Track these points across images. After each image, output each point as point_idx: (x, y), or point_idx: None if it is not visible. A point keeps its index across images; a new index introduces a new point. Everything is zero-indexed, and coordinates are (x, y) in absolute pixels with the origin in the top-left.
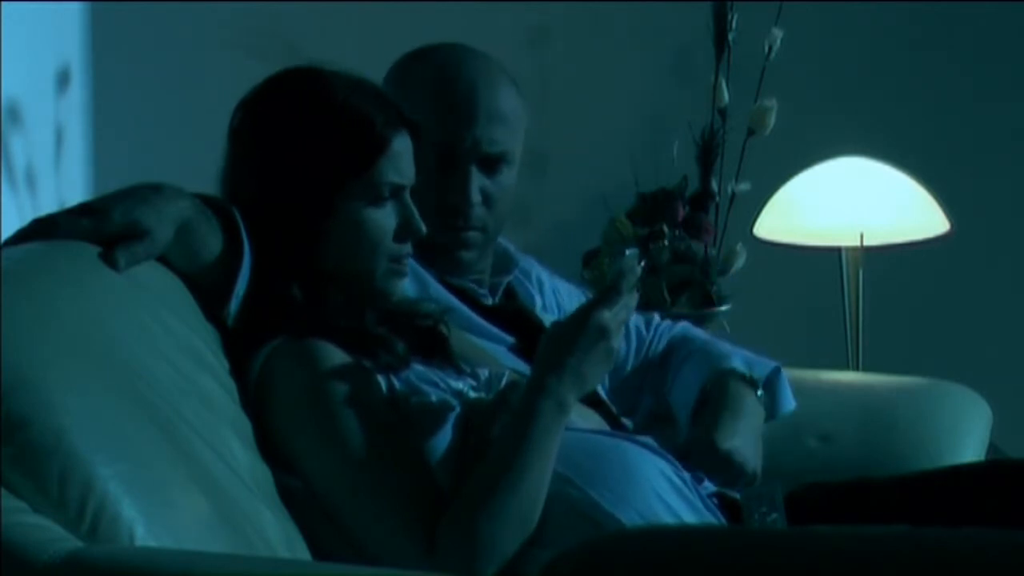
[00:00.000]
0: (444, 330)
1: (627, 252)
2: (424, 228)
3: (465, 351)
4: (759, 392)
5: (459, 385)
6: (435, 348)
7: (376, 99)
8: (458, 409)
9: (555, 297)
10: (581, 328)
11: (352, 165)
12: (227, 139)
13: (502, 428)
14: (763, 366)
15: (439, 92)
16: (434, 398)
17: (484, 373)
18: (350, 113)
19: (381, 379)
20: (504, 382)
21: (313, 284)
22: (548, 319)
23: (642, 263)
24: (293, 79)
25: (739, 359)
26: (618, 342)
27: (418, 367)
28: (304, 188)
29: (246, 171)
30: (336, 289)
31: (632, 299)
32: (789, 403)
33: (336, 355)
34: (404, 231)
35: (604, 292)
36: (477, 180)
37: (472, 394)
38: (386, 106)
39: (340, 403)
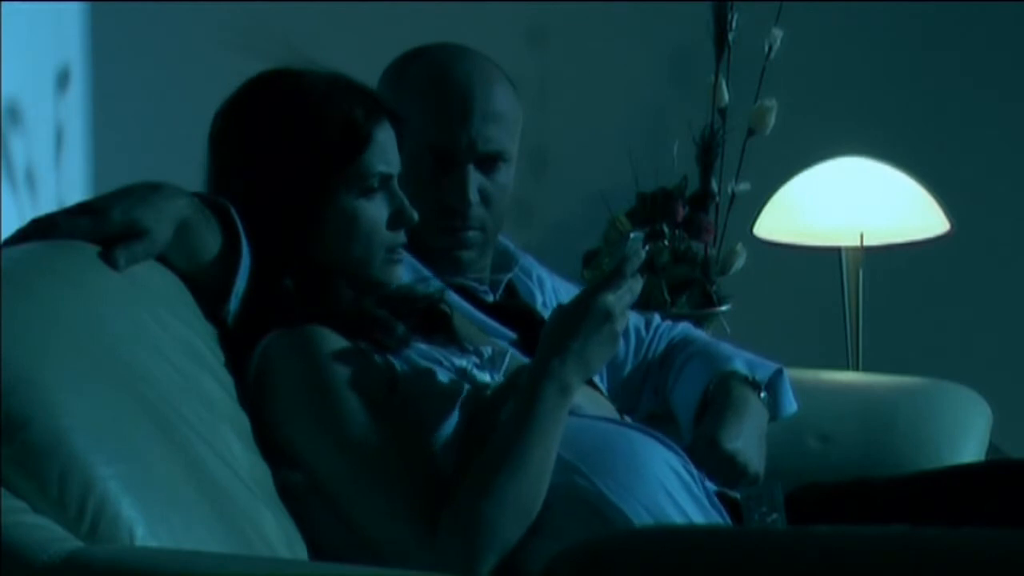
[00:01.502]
0: (445, 308)
1: (632, 235)
2: (416, 215)
3: (467, 332)
4: (762, 394)
5: (462, 363)
6: (437, 326)
7: (353, 93)
8: (464, 393)
9: (555, 296)
10: (585, 311)
11: (339, 161)
12: (208, 147)
13: (505, 411)
14: (765, 368)
15: (434, 92)
16: (439, 377)
17: (487, 351)
18: (331, 111)
19: (380, 360)
20: (507, 360)
21: (310, 280)
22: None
23: (647, 247)
24: (269, 82)
25: (741, 361)
26: (622, 325)
27: (420, 346)
28: (293, 189)
29: (232, 177)
30: (334, 282)
31: (636, 283)
32: (791, 405)
33: (333, 339)
34: (397, 220)
35: (608, 275)
36: (475, 180)
37: (476, 371)
38: (364, 98)
39: (339, 387)
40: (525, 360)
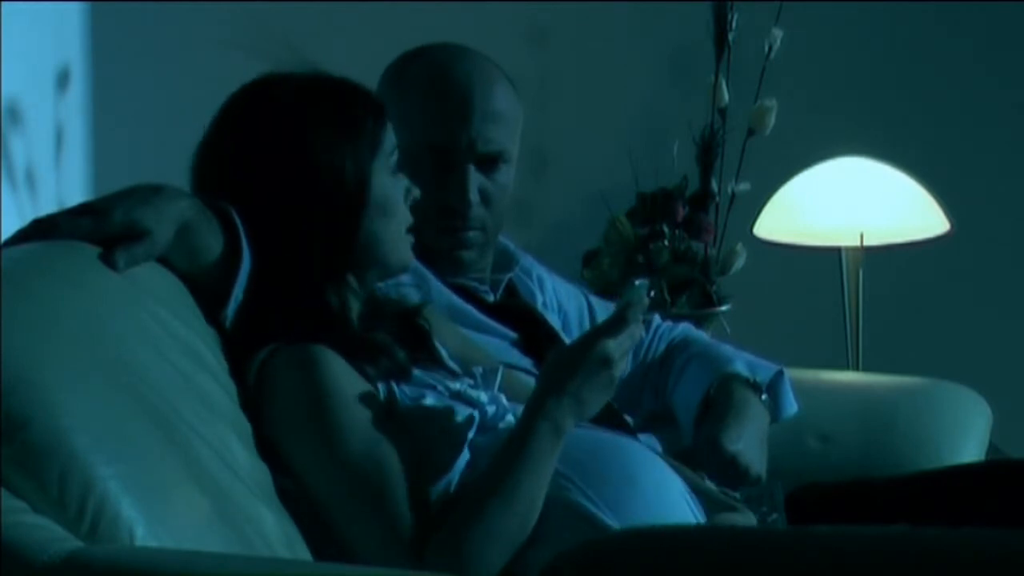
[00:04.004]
0: (423, 323)
1: (636, 282)
2: (418, 191)
3: (459, 348)
4: (763, 396)
5: (457, 386)
6: (416, 342)
7: (341, 80)
8: (470, 429)
9: (555, 296)
10: (584, 355)
11: (370, 139)
12: (200, 154)
13: (499, 446)
14: (766, 370)
15: (434, 92)
16: (438, 404)
17: (479, 370)
18: (344, 94)
19: (382, 386)
20: (499, 376)
21: (311, 283)
22: (549, 316)
23: (651, 294)
24: (259, 89)
25: (742, 363)
26: (620, 371)
27: (416, 371)
28: (337, 179)
29: (230, 181)
30: (334, 285)
31: (638, 329)
32: (792, 407)
33: (337, 361)
34: (407, 197)
35: (610, 321)
36: (475, 180)
37: (470, 391)
38: (352, 84)
39: (338, 408)
40: (520, 366)
